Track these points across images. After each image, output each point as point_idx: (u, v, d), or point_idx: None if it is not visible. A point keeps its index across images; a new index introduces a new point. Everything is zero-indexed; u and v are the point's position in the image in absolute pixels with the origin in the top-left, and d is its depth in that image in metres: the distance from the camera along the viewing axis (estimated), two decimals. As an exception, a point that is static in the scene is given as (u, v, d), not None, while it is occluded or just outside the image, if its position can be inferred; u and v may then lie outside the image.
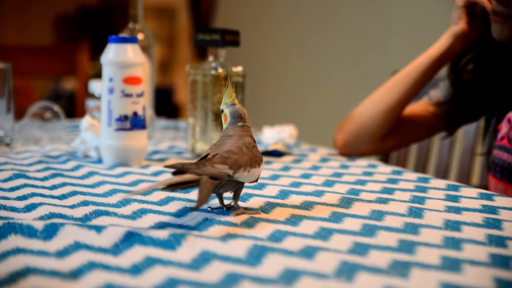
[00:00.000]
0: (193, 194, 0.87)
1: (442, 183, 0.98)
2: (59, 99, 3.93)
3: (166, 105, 4.38)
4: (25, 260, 0.58)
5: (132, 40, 1.07)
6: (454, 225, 0.73)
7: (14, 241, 0.63)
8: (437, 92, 1.25)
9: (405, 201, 0.84)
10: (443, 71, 1.24)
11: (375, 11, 2.61)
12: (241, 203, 0.80)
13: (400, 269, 0.58)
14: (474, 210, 0.81)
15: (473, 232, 0.70)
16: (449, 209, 0.80)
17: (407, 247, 0.64)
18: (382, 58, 2.48)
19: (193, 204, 0.81)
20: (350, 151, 1.23)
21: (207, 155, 0.74)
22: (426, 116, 1.24)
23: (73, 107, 2.92)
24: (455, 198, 0.87)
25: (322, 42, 2.93)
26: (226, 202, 0.79)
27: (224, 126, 0.79)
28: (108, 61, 1.06)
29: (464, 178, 1.43)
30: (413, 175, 1.04)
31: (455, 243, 0.66)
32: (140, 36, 1.40)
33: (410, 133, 1.23)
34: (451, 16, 1.13)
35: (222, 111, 0.80)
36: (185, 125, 1.64)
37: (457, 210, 0.80)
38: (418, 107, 1.26)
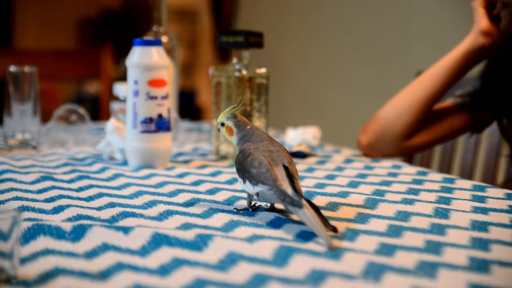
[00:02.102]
0: (218, 196, 0.87)
1: (468, 183, 0.97)
2: (82, 102, 3.96)
3: (189, 107, 4.40)
4: (55, 260, 0.59)
5: (157, 42, 1.08)
6: (481, 226, 0.72)
7: (43, 242, 0.64)
8: (463, 91, 1.25)
9: (431, 202, 0.84)
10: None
11: (397, 12, 2.60)
12: (263, 204, 0.81)
13: (428, 269, 0.57)
14: (501, 210, 0.80)
15: (500, 233, 0.70)
16: (476, 210, 0.80)
17: (434, 247, 0.64)
18: (405, 60, 2.47)
19: (219, 206, 0.82)
20: (374, 152, 1.22)
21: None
22: (451, 115, 1.23)
23: (97, 110, 2.95)
24: (481, 199, 0.87)
25: (345, 43, 2.92)
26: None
27: (230, 137, 0.81)
28: (133, 63, 1.06)
29: (489, 179, 1.42)
30: (438, 176, 1.04)
31: (482, 244, 0.65)
32: (164, 39, 1.41)
33: (434, 131, 1.23)
34: (473, 19, 1.13)
35: (223, 124, 0.81)
36: (208, 127, 1.65)
37: (484, 211, 0.80)
38: (443, 106, 1.25)
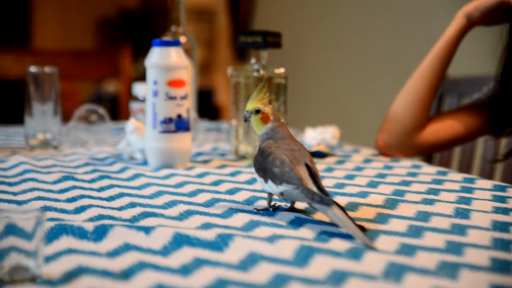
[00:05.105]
0: (237, 196, 0.88)
1: (488, 183, 0.97)
2: (101, 102, 3.98)
3: (207, 107, 4.40)
4: (78, 260, 0.59)
5: (176, 43, 1.08)
6: (503, 226, 0.72)
7: (66, 242, 0.65)
8: (481, 95, 1.25)
9: (451, 202, 0.84)
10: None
11: (417, 11, 2.59)
12: (283, 204, 0.81)
13: (449, 270, 0.57)
14: (523, 211, 0.80)
15: (522, 233, 0.69)
16: (497, 210, 0.80)
17: (455, 248, 0.64)
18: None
19: (238, 206, 0.82)
20: (392, 151, 1.22)
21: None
22: (469, 116, 1.22)
23: (116, 109, 2.96)
24: (502, 199, 0.86)
25: (365, 42, 2.91)
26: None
27: (262, 126, 0.78)
28: (152, 64, 1.07)
29: (510, 179, 1.41)
30: (459, 176, 1.03)
31: (504, 245, 0.65)
32: (182, 39, 1.41)
33: (452, 131, 1.22)
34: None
35: (258, 111, 0.78)
36: (227, 127, 1.66)
37: (505, 211, 0.79)
38: (461, 107, 1.26)
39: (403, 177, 1.02)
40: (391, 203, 0.83)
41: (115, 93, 4.11)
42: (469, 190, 0.92)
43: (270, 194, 0.78)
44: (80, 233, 0.68)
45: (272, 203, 0.80)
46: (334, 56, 3.14)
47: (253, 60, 1.18)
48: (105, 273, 0.56)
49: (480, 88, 1.32)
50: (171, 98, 1.06)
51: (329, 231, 0.69)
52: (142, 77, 1.40)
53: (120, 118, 2.50)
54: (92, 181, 0.97)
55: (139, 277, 0.55)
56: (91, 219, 0.75)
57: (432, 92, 1.20)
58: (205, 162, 1.15)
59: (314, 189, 0.71)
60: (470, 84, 1.54)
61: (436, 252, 0.62)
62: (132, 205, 0.82)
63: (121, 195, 0.88)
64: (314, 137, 1.29)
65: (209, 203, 0.83)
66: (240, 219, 0.75)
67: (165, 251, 0.62)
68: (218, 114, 4.56)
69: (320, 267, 0.58)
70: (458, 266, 0.58)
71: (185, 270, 0.57)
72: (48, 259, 0.59)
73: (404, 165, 1.13)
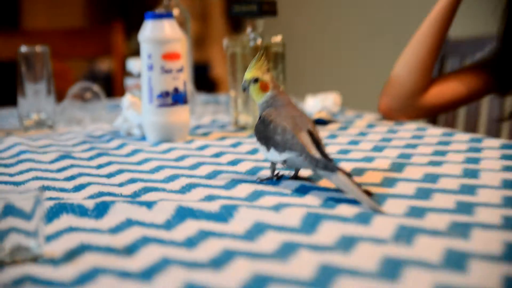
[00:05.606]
0: (240, 167, 0.86)
1: (496, 142, 0.95)
2: (95, 80, 3.94)
3: (203, 80, 4.36)
4: (79, 237, 0.58)
5: (169, 15, 1.06)
6: (513, 184, 0.70)
7: (67, 220, 0.63)
8: (484, 54, 1.23)
9: (459, 163, 0.82)
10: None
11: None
12: (286, 172, 0.79)
13: (461, 230, 0.56)
14: (532, 168, 0.78)
15: (533, 190, 0.68)
16: (506, 168, 0.78)
17: (465, 208, 0.62)
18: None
19: (241, 176, 0.80)
20: (395, 115, 1.20)
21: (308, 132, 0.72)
22: (473, 76, 1.20)
23: (110, 87, 2.93)
24: (511, 157, 0.84)
25: (364, 6, 2.88)
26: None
27: (261, 94, 0.77)
28: (146, 38, 1.04)
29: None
30: (465, 136, 1.01)
31: (516, 202, 0.63)
32: (175, 12, 1.39)
33: (455, 92, 1.20)
34: None
35: (256, 80, 0.77)
36: (225, 99, 1.63)
37: (514, 169, 0.77)
38: (464, 67, 1.24)
39: (408, 140, 1.00)
40: (397, 167, 0.81)
41: (108, 71, 4.07)
42: (477, 149, 0.90)
43: (273, 163, 0.76)
44: (81, 211, 0.66)
45: (276, 172, 0.78)
46: (332, 21, 3.11)
47: (249, 30, 1.15)
48: (108, 250, 0.55)
49: (482, 48, 1.30)
50: (167, 71, 1.04)
51: (335, 197, 0.67)
52: (135, 54, 1.37)
53: (115, 95, 2.47)
54: (90, 158, 0.95)
55: (143, 252, 0.54)
56: (91, 197, 0.73)
57: (433, 54, 1.18)
58: (205, 134, 1.13)
59: (318, 155, 0.69)
60: (472, 45, 1.52)
61: (447, 213, 0.61)
62: (133, 180, 0.80)
63: (120, 171, 0.86)
64: (315, 104, 1.27)
65: (211, 175, 0.81)
66: (243, 190, 0.73)
67: (168, 225, 0.61)
68: (215, 87, 4.53)
69: (328, 233, 0.56)
70: (469, 226, 0.57)
71: (190, 243, 0.56)
72: (49, 238, 0.58)
73: (408, 128, 1.11)
